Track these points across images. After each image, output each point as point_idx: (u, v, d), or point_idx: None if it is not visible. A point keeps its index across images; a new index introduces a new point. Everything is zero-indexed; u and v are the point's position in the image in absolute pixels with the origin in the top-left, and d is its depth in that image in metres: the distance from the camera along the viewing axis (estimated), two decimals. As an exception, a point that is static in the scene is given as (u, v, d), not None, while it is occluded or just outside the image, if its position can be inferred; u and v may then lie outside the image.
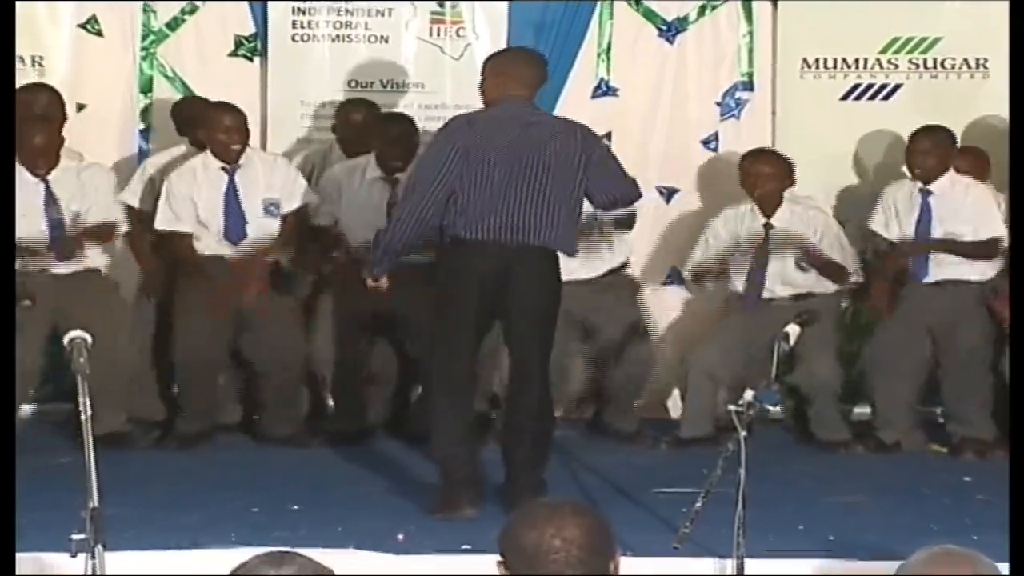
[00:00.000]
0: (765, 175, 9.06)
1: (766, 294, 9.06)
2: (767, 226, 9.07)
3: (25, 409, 9.07)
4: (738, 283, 9.12)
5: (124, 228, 8.92)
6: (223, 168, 8.82)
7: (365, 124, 9.26)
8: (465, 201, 7.25)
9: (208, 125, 8.91)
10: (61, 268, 8.75)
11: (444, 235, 7.39)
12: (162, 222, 8.87)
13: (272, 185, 8.87)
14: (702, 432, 8.83)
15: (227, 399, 9.22)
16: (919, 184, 8.96)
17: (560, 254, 7.48)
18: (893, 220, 9.04)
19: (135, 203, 9.04)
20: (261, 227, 8.85)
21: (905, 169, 9.10)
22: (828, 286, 9.09)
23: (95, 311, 8.50)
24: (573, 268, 8.27)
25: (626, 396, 9.26)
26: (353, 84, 9.80)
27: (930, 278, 8.96)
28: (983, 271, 8.93)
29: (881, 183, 9.34)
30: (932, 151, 8.95)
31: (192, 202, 8.81)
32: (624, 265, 9.33)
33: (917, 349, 8.99)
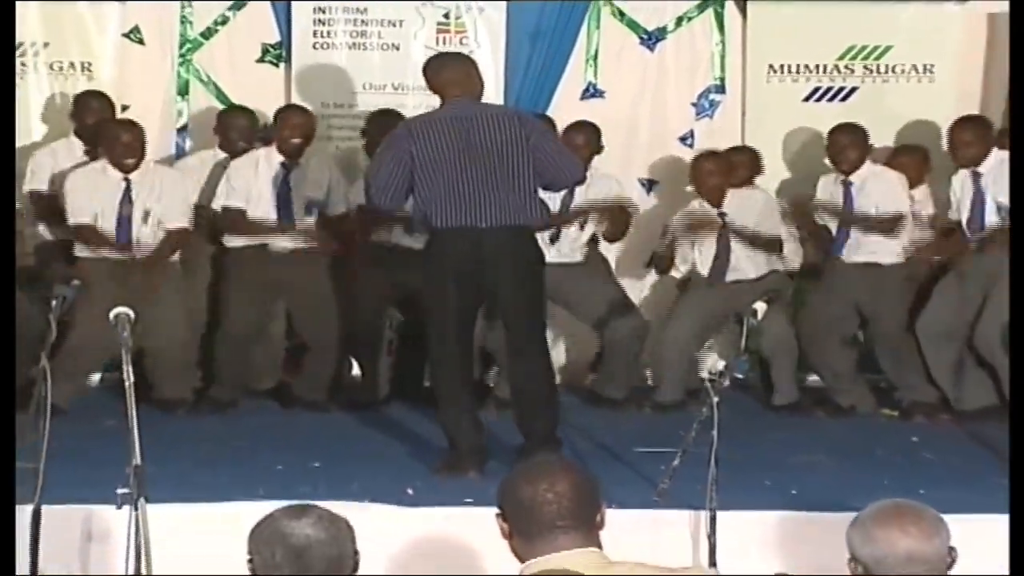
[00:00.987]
0: (708, 171, 9.13)
1: (731, 276, 9.07)
2: (721, 215, 9.07)
3: (92, 378, 9.09)
4: (702, 267, 9.16)
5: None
6: (283, 163, 8.82)
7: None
8: (428, 196, 7.20)
9: (280, 124, 8.95)
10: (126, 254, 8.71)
11: (420, 228, 7.44)
12: (220, 199, 8.88)
13: (318, 184, 8.89)
14: (675, 397, 8.84)
15: (263, 368, 9.24)
16: (841, 177, 8.96)
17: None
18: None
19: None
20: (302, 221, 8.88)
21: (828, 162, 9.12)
22: (780, 265, 9.17)
23: (164, 293, 8.59)
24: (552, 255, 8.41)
25: (618, 366, 9.26)
26: (367, 87, 9.81)
27: (853, 259, 8.94)
28: (895, 253, 8.92)
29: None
30: (851, 145, 8.96)
31: (247, 187, 8.83)
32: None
33: (847, 322, 9.02)
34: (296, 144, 8.82)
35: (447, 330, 7.33)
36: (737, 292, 8.87)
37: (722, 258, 9.08)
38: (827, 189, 9.05)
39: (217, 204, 8.88)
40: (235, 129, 9.16)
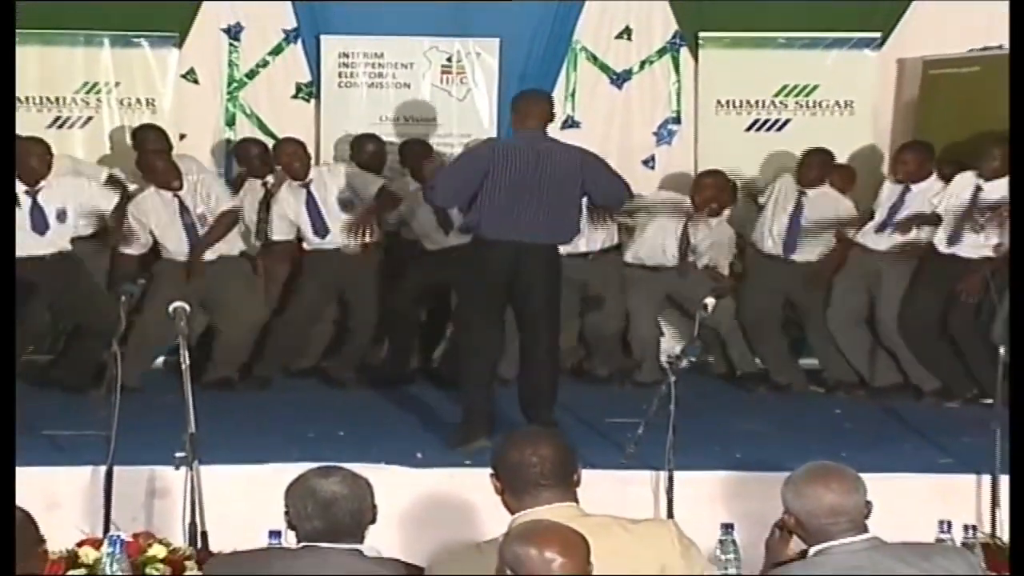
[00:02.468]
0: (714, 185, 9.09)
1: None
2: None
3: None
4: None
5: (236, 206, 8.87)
6: (301, 185, 8.81)
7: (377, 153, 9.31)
8: (484, 208, 7.12)
9: (278, 153, 8.98)
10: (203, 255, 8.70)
11: (467, 233, 7.35)
12: (274, 234, 8.92)
13: (342, 187, 8.84)
14: (654, 377, 8.60)
15: (307, 350, 9.22)
16: (799, 187, 8.94)
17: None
18: (771, 202, 9.03)
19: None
20: (340, 220, 8.82)
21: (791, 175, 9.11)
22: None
23: (229, 288, 8.62)
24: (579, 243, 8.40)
25: (604, 348, 9.21)
26: (384, 119, 9.78)
27: (794, 257, 8.92)
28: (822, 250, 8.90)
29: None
30: (815, 166, 8.96)
31: (287, 218, 8.85)
32: (616, 247, 9.19)
33: (776, 313, 9.01)
34: (299, 168, 8.82)
35: (480, 324, 7.25)
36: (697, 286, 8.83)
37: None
38: (784, 191, 9.00)
39: (273, 237, 8.93)
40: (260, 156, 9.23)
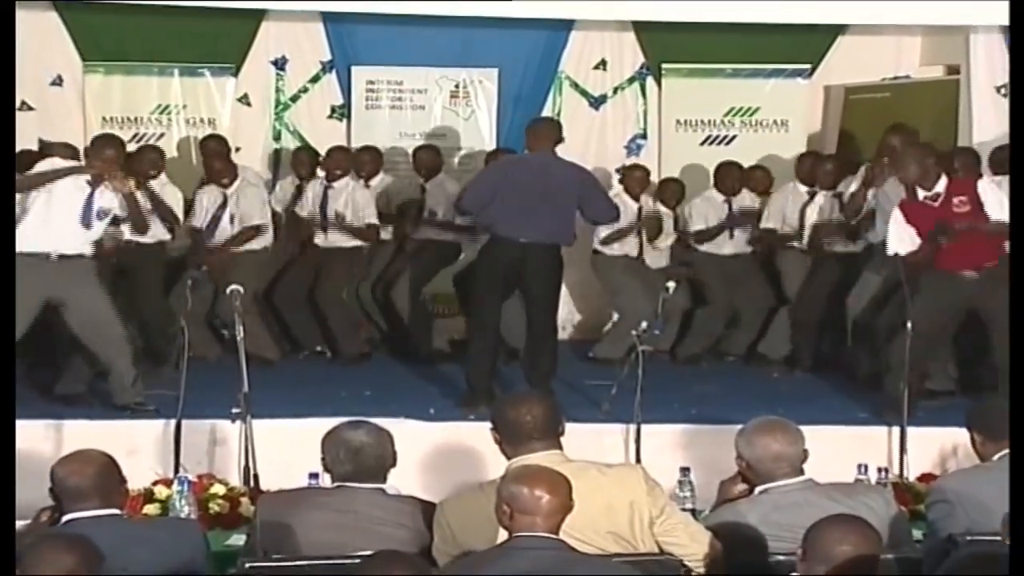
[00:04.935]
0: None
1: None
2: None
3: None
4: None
5: (266, 224, 8.48)
6: (324, 185, 8.64)
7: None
8: (498, 211, 7.06)
9: (328, 158, 8.70)
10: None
11: (485, 232, 7.26)
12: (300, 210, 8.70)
13: (344, 204, 8.57)
14: (616, 354, 8.16)
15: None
16: (723, 198, 8.79)
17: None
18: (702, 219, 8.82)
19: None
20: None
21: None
22: None
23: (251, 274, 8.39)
24: None
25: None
26: (402, 135, 9.74)
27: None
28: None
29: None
30: (737, 175, 8.82)
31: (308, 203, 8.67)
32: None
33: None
34: (338, 174, 8.61)
35: (487, 310, 7.17)
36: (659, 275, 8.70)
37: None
38: (711, 210, 8.82)
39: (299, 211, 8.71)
40: (305, 163, 9.03)
